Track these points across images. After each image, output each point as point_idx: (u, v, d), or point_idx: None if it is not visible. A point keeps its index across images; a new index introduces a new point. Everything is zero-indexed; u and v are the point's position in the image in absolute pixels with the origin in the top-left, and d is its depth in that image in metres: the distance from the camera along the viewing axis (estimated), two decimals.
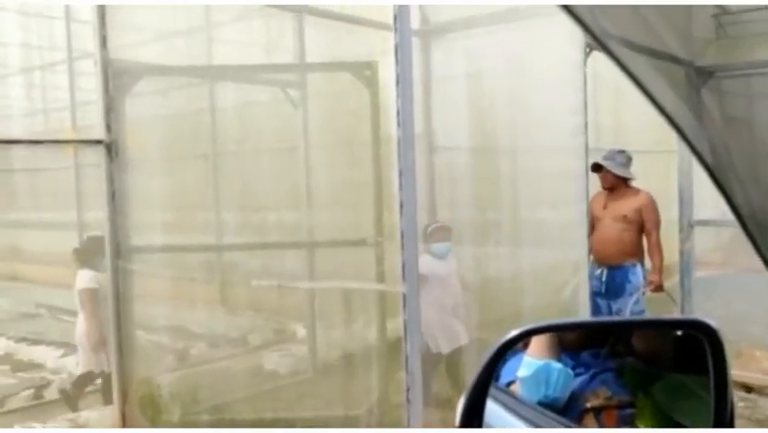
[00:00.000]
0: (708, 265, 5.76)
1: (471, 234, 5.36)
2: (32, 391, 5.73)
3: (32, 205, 9.66)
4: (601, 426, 1.65)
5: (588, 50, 4.66)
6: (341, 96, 5.05)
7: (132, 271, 4.16)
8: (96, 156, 4.06)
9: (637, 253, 5.22)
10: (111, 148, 3.98)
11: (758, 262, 1.15)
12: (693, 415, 1.51)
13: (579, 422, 1.66)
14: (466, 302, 5.02)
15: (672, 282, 5.68)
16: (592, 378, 1.71)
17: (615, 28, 0.92)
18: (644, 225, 5.18)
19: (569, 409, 1.67)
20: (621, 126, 6.80)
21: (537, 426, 1.63)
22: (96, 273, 4.90)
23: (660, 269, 5.22)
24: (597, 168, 5.11)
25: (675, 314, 5.40)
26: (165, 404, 4.44)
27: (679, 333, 1.63)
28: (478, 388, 1.38)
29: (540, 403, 1.68)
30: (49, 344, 6.95)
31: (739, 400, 5.16)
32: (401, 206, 3.54)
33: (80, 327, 5.08)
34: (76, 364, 5.35)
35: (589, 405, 1.67)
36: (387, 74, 3.73)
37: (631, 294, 5.16)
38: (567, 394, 1.68)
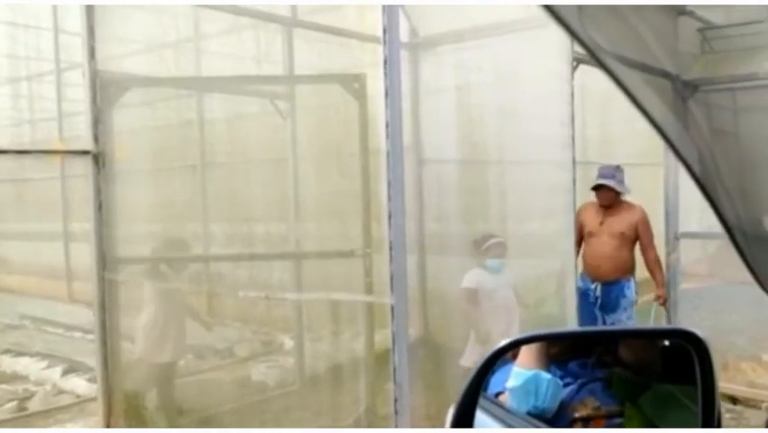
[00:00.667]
0: (694, 277, 5.81)
1: (459, 245, 5.37)
2: (15, 403, 5.67)
3: (19, 215, 9.59)
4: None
5: (575, 63, 4.70)
6: (329, 108, 5.06)
7: (119, 281, 4.14)
8: (84, 167, 4.04)
9: (632, 269, 5.25)
10: (98, 159, 3.97)
11: (744, 274, 1.16)
12: (680, 425, 1.52)
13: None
14: (516, 318, 4.90)
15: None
16: (580, 388, 1.72)
17: (604, 41, 0.93)
18: (639, 241, 5.21)
19: (557, 420, 1.68)
20: (608, 139, 6.86)
21: None
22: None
23: (663, 283, 5.29)
24: (599, 187, 5.12)
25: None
26: (151, 416, 4.41)
27: (666, 343, 1.65)
28: (467, 398, 1.39)
29: (529, 413, 1.68)
30: (33, 355, 6.89)
31: (725, 411, 5.19)
32: (390, 217, 3.54)
33: None
34: None
35: (577, 415, 1.68)
36: (376, 86, 3.75)
37: (625, 309, 5.19)
38: (556, 404, 1.69)
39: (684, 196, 5.82)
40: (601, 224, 5.19)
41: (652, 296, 5.38)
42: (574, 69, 4.73)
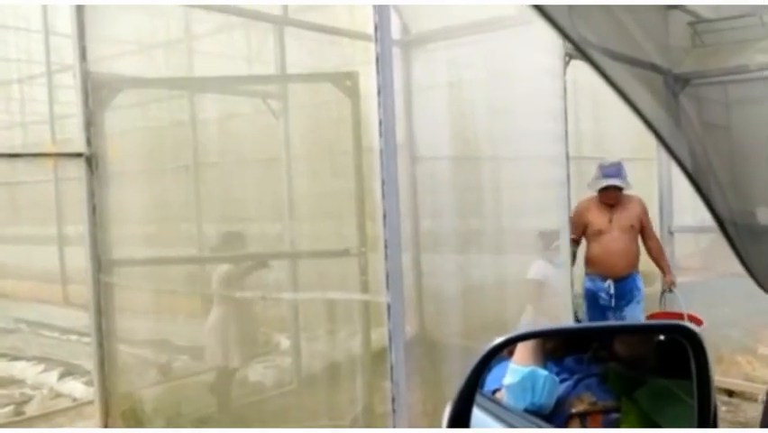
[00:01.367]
0: (687, 271, 5.82)
1: (454, 242, 5.38)
2: (12, 407, 5.66)
3: (11, 219, 9.56)
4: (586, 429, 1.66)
5: (567, 58, 4.70)
6: (322, 107, 5.06)
7: (114, 284, 4.13)
8: (76, 169, 4.03)
9: (638, 261, 5.26)
10: (91, 161, 3.96)
11: (737, 267, 1.17)
12: (677, 419, 1.53)
13: (565, 428, 1.67)
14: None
15: (653, 289, 5.73)
16: (576, 384, 1.72)
17: (594, 37, 0.93)
18: (642, 231, 5.22)
19: (554, 416, 1.68)
20: (601, 134, 6.87)
21: None
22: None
23: (669, 269, 5.32)
24: (608, 188, 5.08)
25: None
26: (148, 418, 4.40)
27: (661, 337, 1.65)
28: (464, 396, 1.39)
29: (526, 410, 1.68)
30: (29, 359, 6.87)
31: (721, 404, 5.21)
32: (384, 215, 3.54)
33: None
34: None
35: (574, 411, 1.68)
36: (368, 84, 3.74)
37: (639, 302, 5.19)
38: (553, 401, 1.69)
39: (677, 190, 5.85)
40: (610, 220, 5.15)
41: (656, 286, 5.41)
42: (566, 64, 4.74)
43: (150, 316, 4.87)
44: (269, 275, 5.04)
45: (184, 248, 5.31)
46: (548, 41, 4.51)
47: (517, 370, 1.72)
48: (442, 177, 5.58)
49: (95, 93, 3.98)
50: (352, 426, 4.54)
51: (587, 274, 5.26)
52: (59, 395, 5.99)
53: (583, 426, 1.67)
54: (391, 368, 3.60)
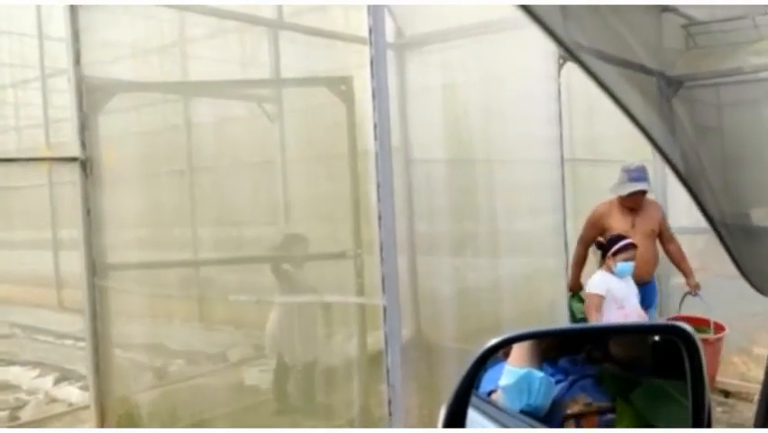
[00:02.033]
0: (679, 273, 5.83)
1: (449, 244, 5.38)
2: (7, 412, 5.64)
3: (6, 223, 9.53)
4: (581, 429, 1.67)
5: (561, 61, 4.72)
6: (317, 110, 5.06)
7: (109, 288, 4.12)
8: (71, 173, 4.02)
9: (657, 265, 5.20)
10: (86, 165, 3.95)
11: (732, 268, 1.17)
12: (671, 419, 1.53)
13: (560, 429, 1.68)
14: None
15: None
16: (571, 385, 1.73)
17: (587, 40, 0.94)
18: (660, 234, 5.16)
19: (549, 417, 1.69)
20: (595, 137, 6.88)
21: None
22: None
23: (691, 271, 5.26)
24: (634, 192, 4.95)
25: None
26: (144, 422, 4.39)
27: (656, 338, 1.65)
28: (459, 397, 1.39)
29: (522, 411, 1.69)
30: (24, 364, 6.85)
31: (717, 404, 5.23)
32: (379, 218, 3.55)
33: None
34: None
35: (569, 412, 1.68)
36: (362, 88, 3.75)
37: (656, 306, 5.16)
38: (549, 402, 1.69)
39: (672, 192, 5.87)
40: (633, 225, 5.04)
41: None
42: (560, 67, 4.76)
43: (146, 320, 4.86)
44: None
45: (179, 252, 5.30)
46: (542, 44, 4.52)
47: (513, 371, 1.72)
48: (437, 179, 5.59)
49: (89, 97, 3.97)
50: (349, 426, 4.53)
51: None
52: (54, 400, 5.98)
53: (578, 427, 1.67)
54: (387, 371, 3.60)
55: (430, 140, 5.65)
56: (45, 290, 9.23)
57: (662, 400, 1.58)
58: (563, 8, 0.88)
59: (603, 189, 6.33)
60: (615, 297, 4.52)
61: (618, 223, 5.06)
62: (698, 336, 1.44)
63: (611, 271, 4.60)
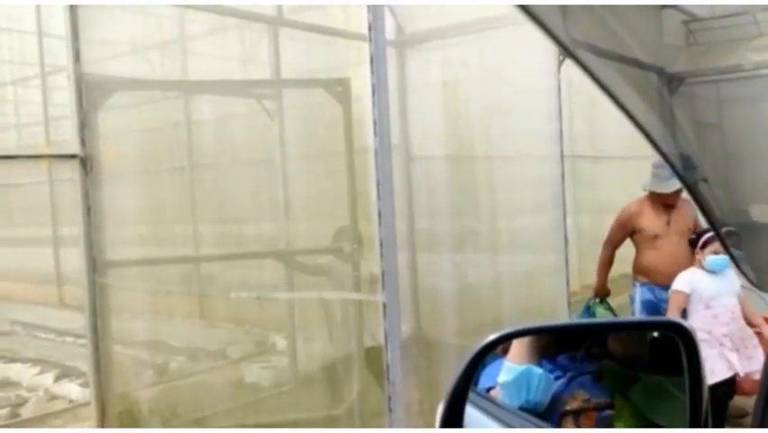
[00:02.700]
0: None
1: (450, 241, 5.38)
2: (7, 409, 5.65)
3: (6, 221, 9.54)
4: (580, 428, 1.67)
5: (561, 58, 4.71)
6: (317, 107, 5.06)
7: (109, 285, 4.12)
8: (71, 171, 4.02)
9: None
10: (85, 162, 3.95)
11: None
12: (669, 415, 1.54)
13: (558, 426, 1.68)
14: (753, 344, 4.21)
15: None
16: (570, 381, 1.73)
17: (585, 37, 0.94)
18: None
19: (548, 413, 1.69)
20: (596, 133, 6.88)
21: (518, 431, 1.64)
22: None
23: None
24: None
25: None
26: (144, 419, 4.40)
27: (655, 334, 1.66)
28: (457, 393, 1.39)
29: (521, 408, 1.69)
30: (24, 361, 6.86)
31: None
32: (379, 215, 3.55)
33: None
34: None
35: (567, 408, 1.69)
36: (362, 84, 3.75)
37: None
38: (548, 398, 1.70)
39: None
40: (668, 223, 4.76)
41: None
42: (560, 63, 4.75)
43: (146, 317, 4.87)
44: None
45: (179, 249, 5.31)
46: (542, 40, 4.51)
47: (512, 368, 1.72)
48: (437, 176, 5.59)
49: (89, 94, 3.97)
50: (350, 424, 4.54)
51: (642, 284, 4.83)
52: (54, 397, 5.98)
53: (577, 423, 1.68)
54: (387, 368, 3.60)
55: (430, 137, 5.65)
56: (46, 287, 9.23)
57: (661, 397, 1.58)
58: (562, 6, 0.88)
59: (603, 186, 6.34)
60: (701, 296, 4.17)
61: (653, 222, 4.78)
62: (695, 333, 1.45)
63: (702, 267, 4.23)
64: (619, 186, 5.43)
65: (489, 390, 1.80)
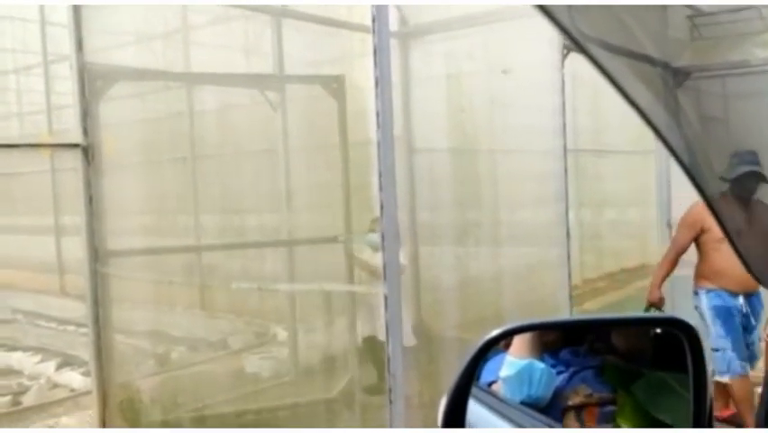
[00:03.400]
0: (687, 264, 5.83)
1: (452, 234, 5.38)
2: (9, 397, 5.66)
3: (8, 209, 9.54)
4: (582, 424, 1.67)
5: (566, 51, 4.69)
6: (320, 100, 5.06)
7: (111, 275, 4.12)
8: (73, 160, 4.02)
9: None
10: (88, 152, 3.94)
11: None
12: (673, 412, 1.53)
13: (560, 421, 1.67)
14: None
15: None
16: (572, 376, 1.72)
17: (592, 30, 0.93)
18: None
19: (550, 408, 1.69)
20: (600, 127, 6.86)
21: (521, 425, 1.64)
22: None
23: None
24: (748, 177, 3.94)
25: None
26: (146, 408, 4.41)
27: (658, 330, 1.65)
28: (459, 388, 1.39)
29: (523, 402, 1.69)
30: (26, 349, 6.87)
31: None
32: (381, 207, 3.54)
33: None
34: None
35: (570, 403, 1.68)
36: (365, 76, 3.74)
37: (762, 319, 4.51)
38: (550, 393, 1.69)
39: (676, 182, 5.84)
40: (748, 221, 4.43)
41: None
42: (565, 56, 4.73)
43: (147, 306, 4.88)
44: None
45: (181, 239, 5.31)
46: (546, 33, 4.50)
47: (514, 362, 1.72)
48: (439, 169, 5.58)
49: (91, 84, 3.96)
50: (349, 417, 4.55)
51: (709, 290, 4.55)
52: (56, 385, 6.00)
53: (579, 418, 1.67)
54: (388, 360, 3.61)
55: (433, 129, 5.64)
56: (47, 275, 9.24)
57: (664, 393, 1.58)
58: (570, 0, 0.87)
59: (606, 180, 6.32)
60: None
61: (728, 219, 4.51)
62: (698, 330, 1.44)
63: None
64: (623, 180, 5.41)
65: (491, 384, 1.80)
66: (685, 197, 5.55)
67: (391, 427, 3.62)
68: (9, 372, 6.44)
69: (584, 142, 6.21)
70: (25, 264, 9.50)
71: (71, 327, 7.36)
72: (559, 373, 1.74)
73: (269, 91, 5.22)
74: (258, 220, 5.41)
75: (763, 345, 4.50)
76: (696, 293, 4.66)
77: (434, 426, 1.45)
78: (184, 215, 5.48)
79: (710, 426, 1.41)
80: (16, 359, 6.66)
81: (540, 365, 1.70)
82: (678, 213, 5.75)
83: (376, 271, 4.66)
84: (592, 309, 6.05)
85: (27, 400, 5.64)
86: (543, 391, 1.68)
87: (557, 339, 1.83)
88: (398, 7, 5.67)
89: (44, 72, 7.99)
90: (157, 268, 4.79)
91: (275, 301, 5.71)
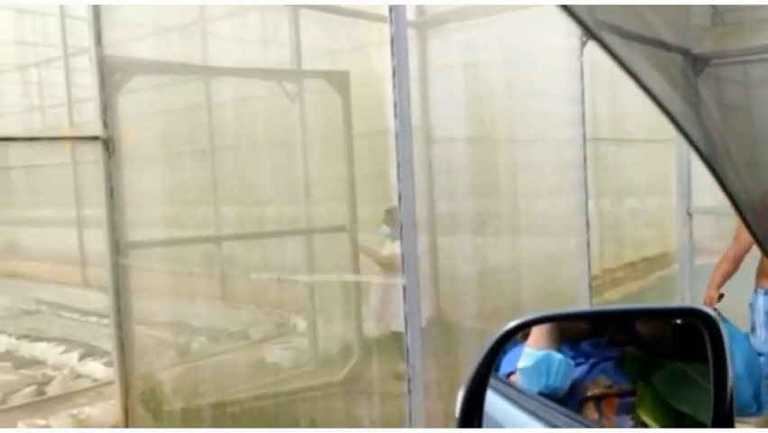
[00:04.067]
0: (707, 252, 5.77)
1: (470, 224, 5.36)
2: (33, 387, 5.74)
3: (30, 202, 9.66)
4: (601, 414, 1.66)
5: (584, 39, 4.64)
6: (336, 91, 5.06)
7: (132, 266, 4.16)
8: (94, 152, 4.06)
9: None
10: (108, 144, 3.98)
11: (756, 249, 1.15)
12: (693, 403, 1.52)
13: (579, 411, 1.67)
14: None
15: (672, 270, 5.67)
16: (592, 367, 1.71)
17: (609, 18, 0.92)
18: None
19: (569, 399, 1.68)
20: (619, 115, 6.80)
21: (538, 416, 1.64)
22: None
23: None
24: None
25: None
26: (167, 399, 4.45)
27: (679, 321, 1.64)
28: (477, 379, 1.38)
29: (541, 393, 1.68)
30: (50, 340, 6.96)
31: None
32: (400, 197, 3.54)
33: None
34: None
35: (589, 394, 1.67)
36: (383, 66, 3.73)
37: None
38: (568, 384, 1.68)
39: (696, 171, 5.77)
40: None
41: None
42: (583, 44, 4.68)
43: (168, 297, 4.92)
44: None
45: (200, 230, 5.34)
46: (565, 21, 4.45)
47: (532, 353, 1.71)
48: (458, 159, 5.56)
49: (110, 77, 3.99)
50: (368, 408, 4.57)
51: (766, 291, 4.33)
52: (79, 376, 6.07)
53: (598, 409, 1.66)
54: (407, 350, 3.61)
55: (451, 119, 5.61)
56: (70, 267, 9.35)
57: (684, 384, 1.56)
58: None
59: (626, 169, 6.26)
60: None
61: None
62: (720, 320, 1.42)
63: None
64: (642, 168, 5.36)
65: (509, 375, 1.80)
66: (705, 185, 5.50)
67: (410, 416, 3.63)
68: (33, 362, 6.53)
69: (604, 131, 6.16)
70: (48, 256, 9.63)
71: (94, 318, 7.45)
72: (579, 364, 1.73)
73: (286, 82, 5.23)
74: (277, 211, 5.42)
75: None
76: (755, 291, 4.43)
77: (453, 416, 1.45)
78: (203, 206, 5.51)
79: (731, 417, 1.39)
80: (40, 350, 6.75)
81: (558, 356, 1.69)
82: (698, 202, 5.69)
83: (389, 262, 4.69)
84: (612, 299, 6.01)
85: (51, 390, 5.72)
86: (560, 381, 1.68)
87: (577, 330, 1.82)
88: None
89: (65, 65, 8.06)
90: (177, 259, 4.82)
91: (295, 292, 5.74)
